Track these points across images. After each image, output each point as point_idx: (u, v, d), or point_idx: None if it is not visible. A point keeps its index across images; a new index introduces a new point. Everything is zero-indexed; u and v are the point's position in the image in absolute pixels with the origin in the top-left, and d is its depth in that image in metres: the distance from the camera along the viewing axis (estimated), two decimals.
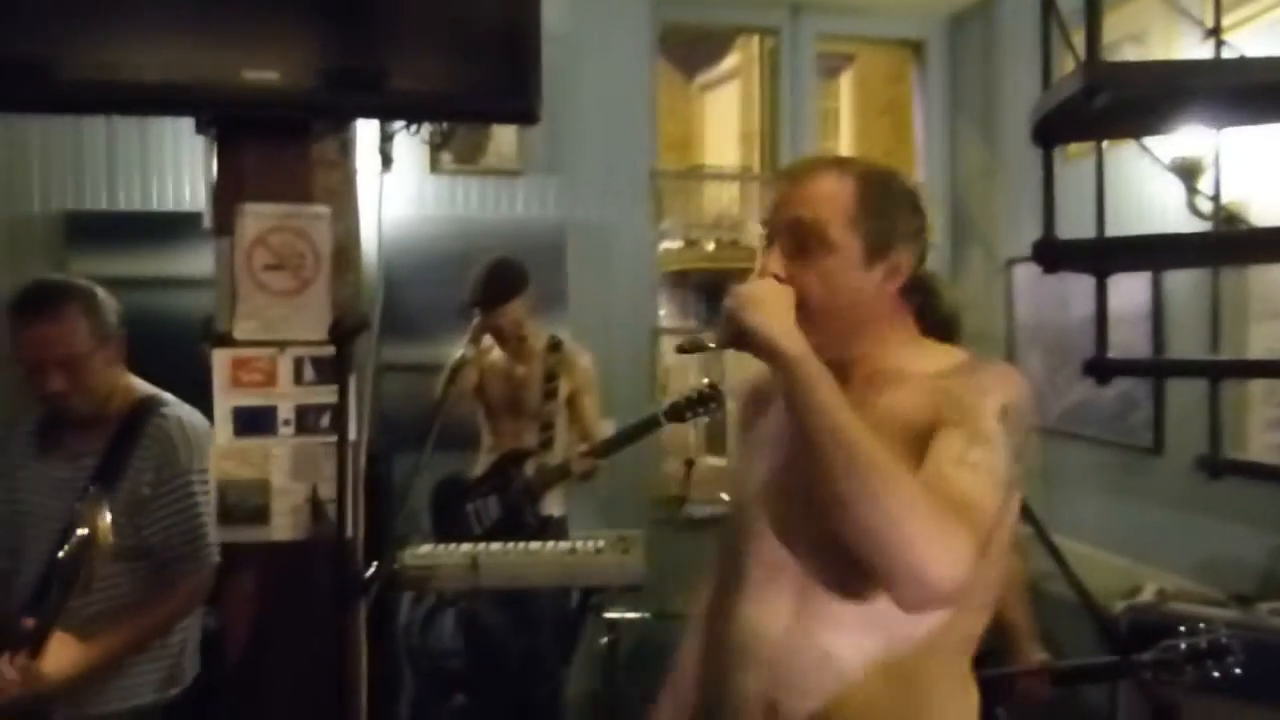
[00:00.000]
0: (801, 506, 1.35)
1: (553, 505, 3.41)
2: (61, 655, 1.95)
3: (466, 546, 2.81)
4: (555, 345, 3.48)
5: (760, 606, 1.38)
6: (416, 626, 3.30)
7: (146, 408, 2.17)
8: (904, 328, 1.43)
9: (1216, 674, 2.13)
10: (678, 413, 3.27)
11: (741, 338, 1.26)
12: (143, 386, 2.24)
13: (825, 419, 1.20)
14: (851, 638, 1.32)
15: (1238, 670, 2.12)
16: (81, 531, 1.81)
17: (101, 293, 2.20)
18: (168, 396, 2.20)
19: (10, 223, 3.54)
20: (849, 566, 1.26)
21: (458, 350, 3.27)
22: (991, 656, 2.58)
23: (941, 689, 1.37)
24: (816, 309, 1.32)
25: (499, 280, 3.31)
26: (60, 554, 1.86)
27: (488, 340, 3.40)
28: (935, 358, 1.41)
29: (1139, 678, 2.14)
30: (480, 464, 3.49)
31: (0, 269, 3.53)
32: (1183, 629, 2.21)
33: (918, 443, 1.26)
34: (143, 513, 2.10)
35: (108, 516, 1.81)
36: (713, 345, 1.30)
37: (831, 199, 1.33)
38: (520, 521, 3.28)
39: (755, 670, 1.37)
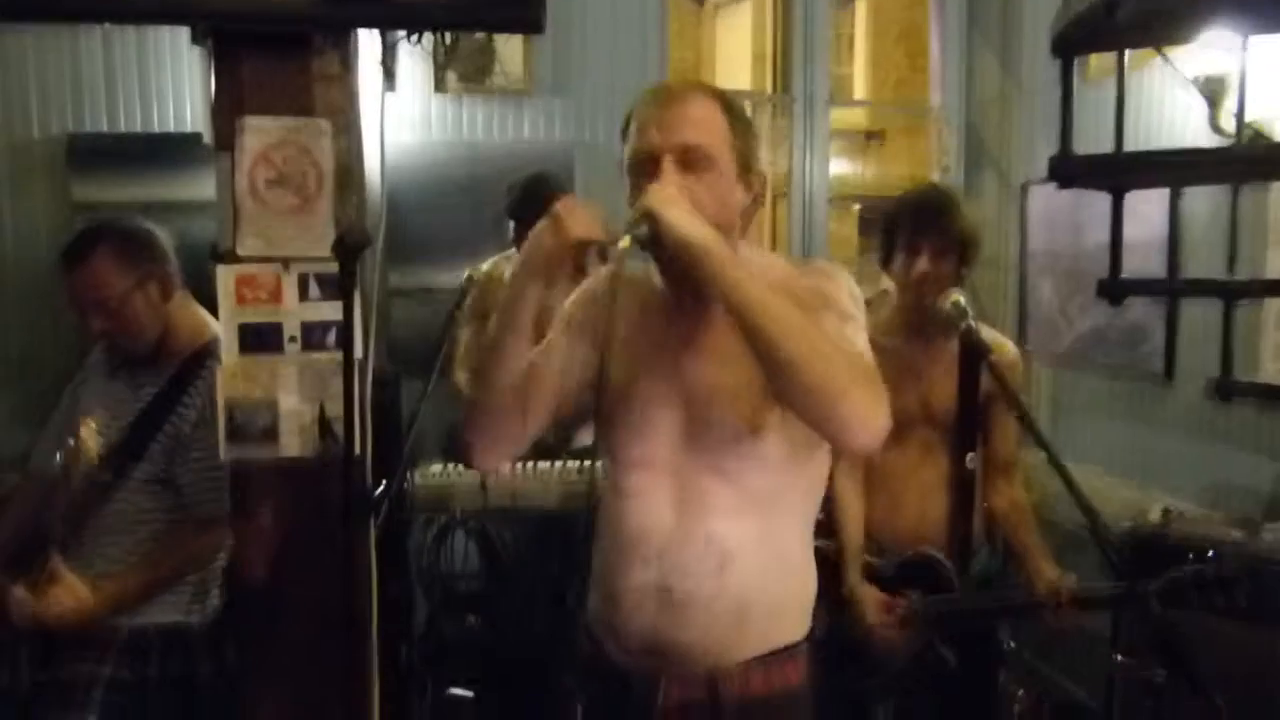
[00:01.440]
0: (664, 399, 1.49)
1: (585, 434, 3.22)
2: (68, 591, 1.99)
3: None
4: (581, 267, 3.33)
5: (643, 506, 1.50)
6: (428, 548, 3.34)
7: (209, 350, 2.18)
8: (756, 241, 1.56)
9: (1223, 604, 2.14)
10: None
11: (659, 236, 1.33)
12: (211, 328, 2.25)
13: (751, 294, 1.31)
14: (730, 521, 1.46)
15: (1244, 602, 2.13)
16: (70, 442, 1.85)
17: (140, 231, 2.21)
18: None
19: (11, 148, 3.51)
20: (720, 446, 1.45)
21: (484, 264, 3.14)
22: (1000, 580, 2.59)
23: (800, 561, 1.55)
24: (709, 220, 1.39)
25: (539, 193, 3.11)
26: (58, 460, 1.90)
27: (506, 260, 3.21)
28: (779, 263, 1.57)
29: (1145, 605, 2.15)
30: None
31: (3, 194, 3.51)
32: (1191, 555, 2.22)
33: None
34: (179, 451, 2.14)
35: (93, 430, 1.85)
36: (637, 236, 1.34)
37: (711, 120, 1.44)
38: (553, 456, 3.12)
39: (645, 564, 1.48)
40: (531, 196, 3.09)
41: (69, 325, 2.29)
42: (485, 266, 3.24)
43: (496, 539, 3.27)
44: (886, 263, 2.39)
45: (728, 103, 1.49)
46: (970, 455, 2.23)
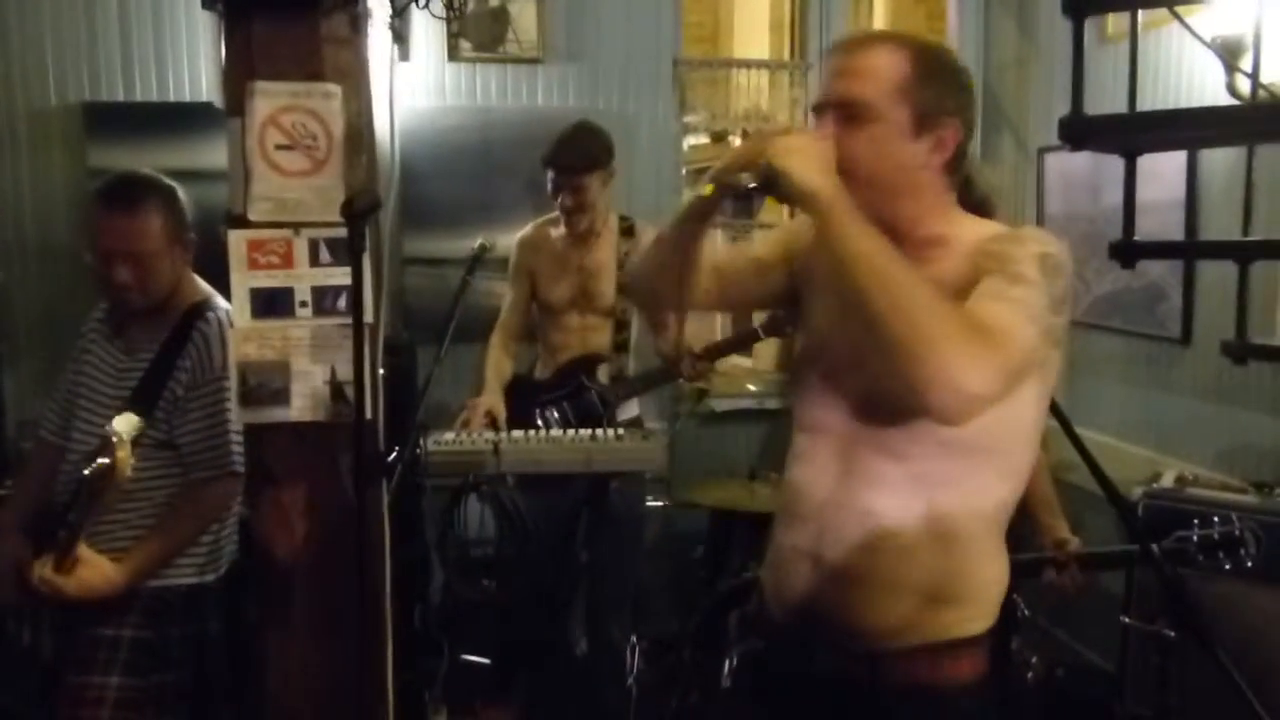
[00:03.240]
0: (845, 367, 1.44)
1: (629, 406, 3.21)
2: (95, 572, 2.03)
3: (490, 435, 2.84)
4: (629, 229, 3.11)
5: (807, 468, 1.48)
6: (443, 514, 3.36)
7: (198, 311, 2.20)
8: (948, 200, 1.47)
9: (1229, 565, 2.14)
10: (777, 326, 3.21)
11: (774, 181, 1.31)
12: (203, 289, 2.26)
13: (857, 245, 1.25)
14: (894, 497, 1.40)
15: (1250, 564, 2.13)
16: (102, 461, 1.87)
17: (182, 194, 2.22)
18: (220, 301, 2.22)
19: (29, 116, 3.53)
20: (892, 425, 1.37)
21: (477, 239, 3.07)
22: (1014, 538, 2.59)
23: (977, 550, 1.44)
24: (864, 175, 1.36)
25: (581, 144, 2.99)
26: (85, 472, 1.92)
27: (549, 223, 3.14)
28: (976, 227, 1.46)
29: (1155, 566, 2.15)
30: (544, 366, 3.21)
31: (22, 162, 3.53)
32: (1196, 522, 2.22)
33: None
34: (177, 413, 2.16)
35: (128, 451, 1.86)
36: (747, 184, 1.35)
37: (883, 70, 1.38)
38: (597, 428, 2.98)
39: (801, 527, 1.47)
40: (569, 144, 3.01)
41: (87, 290, 2.30)
42: (528, 230, 3.21)
43: (511, 505, 3.30)
44: None
45: (919, 53, 1.41)
46: None
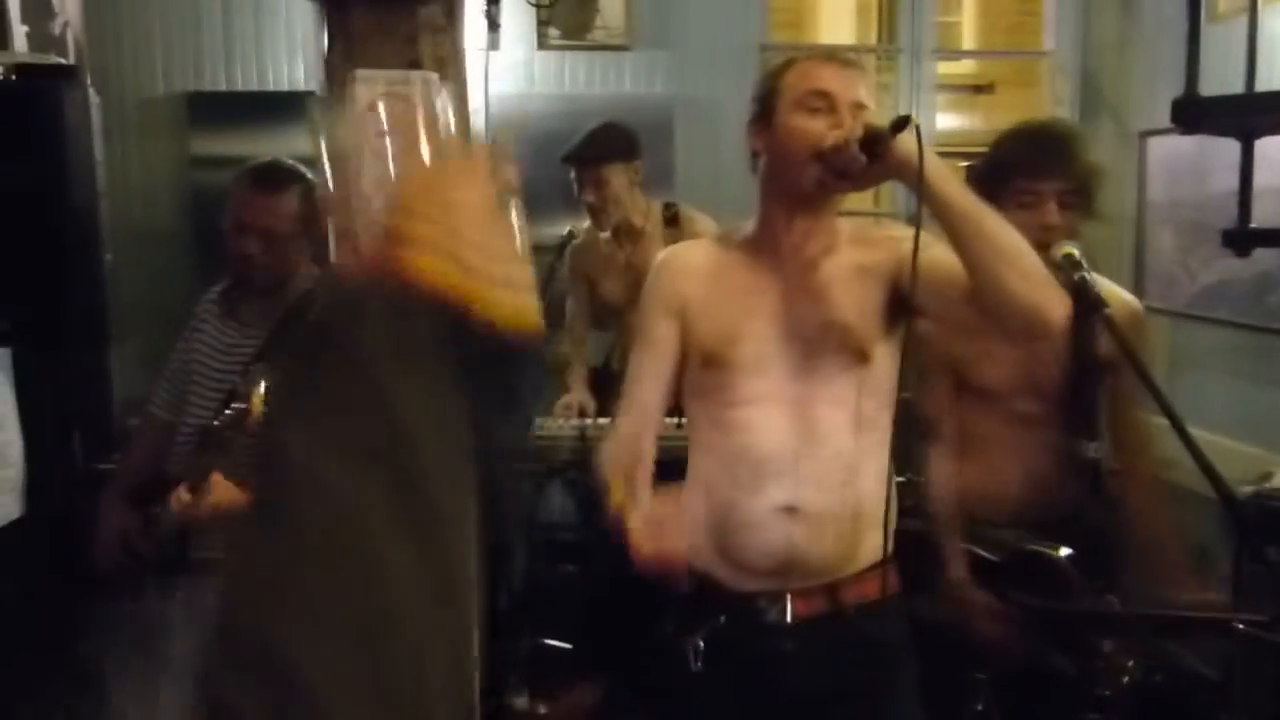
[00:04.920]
0: (786, 340, 1.63)
1: None
2: (226, 494, 2.09)
3: (575, 422, 2.86)
4: (672, 217, 3.10)
5: (768, 433, 1.63)
6: (526, 498, 3.40)
7: (312, 296, 2.26)
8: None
9: None
10: None
11: (876, 141, 1.48)
12: (315, 276, 2.34)
13: (970, 200, 1.48)
14: (849, 438, 1.62)
15: None
16: (239, 404, 1.93)
17: (318, 188, 2.29)
18: None
19: (138, 104, 3.66)
20: (833, 376, 1.62)
21: (566, 227, 3.10)
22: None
23: (889, 477, 1.68)
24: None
25: (598, 138, 3.03)
26: (215, 421, 1.99)
27: (591, 228, 3.13)
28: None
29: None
30: (619, 359, 3.15)
31: (131, 149, 3.67)
32: None
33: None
34: None
35: (262, 392, 1.92)
36: (853, 146, 1.49)
37: (863, 86, 1.62)
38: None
39: (774, 485, 1.62)
40: (587, 139, 3.00)
41: (190, 272, 2.38)
42: (580, 237, 3.17)
43: (595, 490, 3.31)
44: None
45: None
46: (1093, 444, 1.95)
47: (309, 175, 2.28)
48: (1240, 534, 2.17)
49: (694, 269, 1.73)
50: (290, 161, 2.32)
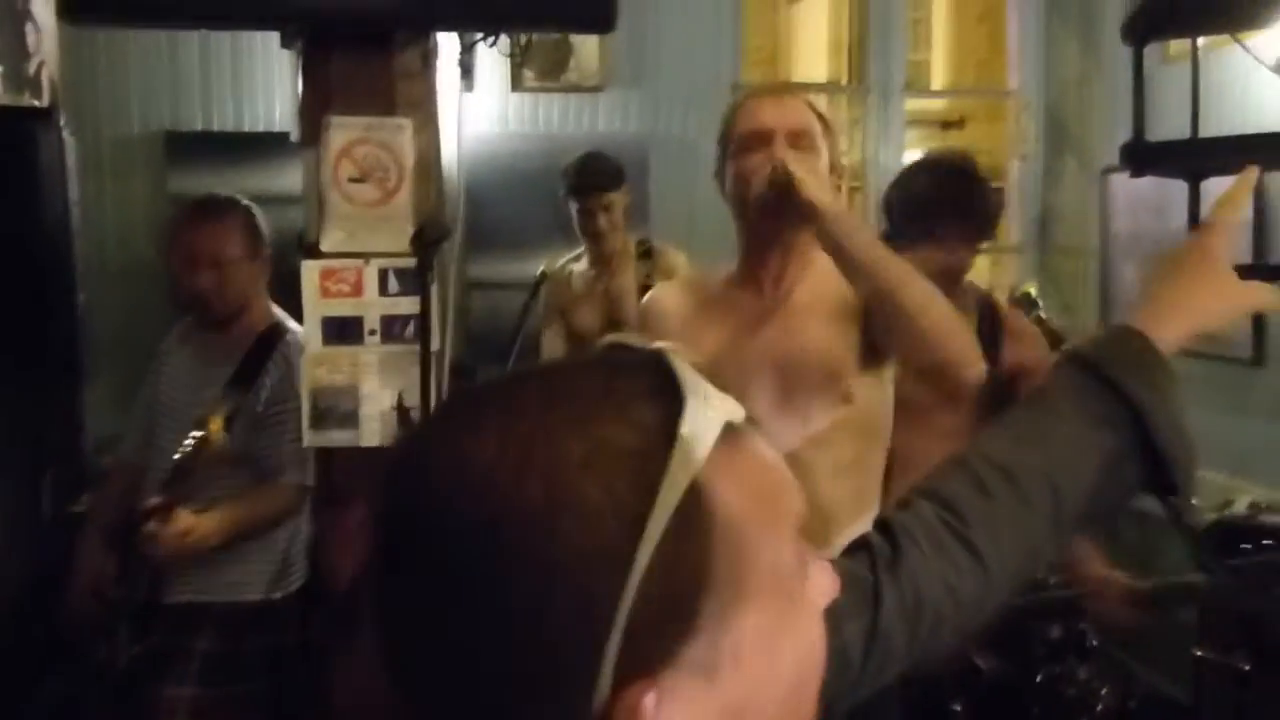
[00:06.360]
0: (764, 376, 1.59)
1: None
2: (187, 522, 2.09)
3: None
4: (647, 251, 3.16)
5: None
6: None
7: (278, 331, 2.29)
8: None
9: None
10: None
11: (788, 188, 1.48)
12: (276, 312, 2.36)
13: (877, 251, 1.48)
14: (830, 486, 1.56)
15: None
16: (197, 433, 1.95)
17: (260, 214, 2.33)
18: (292, 323, 2.31)
19: (114, 142, 3.68)
20: (816, 420, 1.57)
21: (556, 262, 3.12)
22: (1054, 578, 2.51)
23: (873, 491, 1.65)
24: None
25: (598, 166, 3.04)
26: (176, 457, 2.00)
27: (571, 260, 3.18)
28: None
29: (1221, 593, 2.10)
30: None
31: (106, 187, 3.68)
32: (1266, 542, 2.16)
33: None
34: (257, 427, 2.23)
35: (220, 424, 1.94)
36: (758, 190, 1.52)
37: (809, 114, 1.62)
38: None
39: None
40: (591, 167, 3.03)
41: (165, 311, 2.40)
42: (554, 266, 3.19)
43: None
44: (896, 241, 2.12)
45: (819, 113, 1.67)
46: None
47: (245, 202, 2.32)
48: (1200, 560, 2.22)
49: (675, 308, 1.73)
50: (227, 193, 2.36)
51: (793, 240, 1.61)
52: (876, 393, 1.61)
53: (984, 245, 2.21)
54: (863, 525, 1.56)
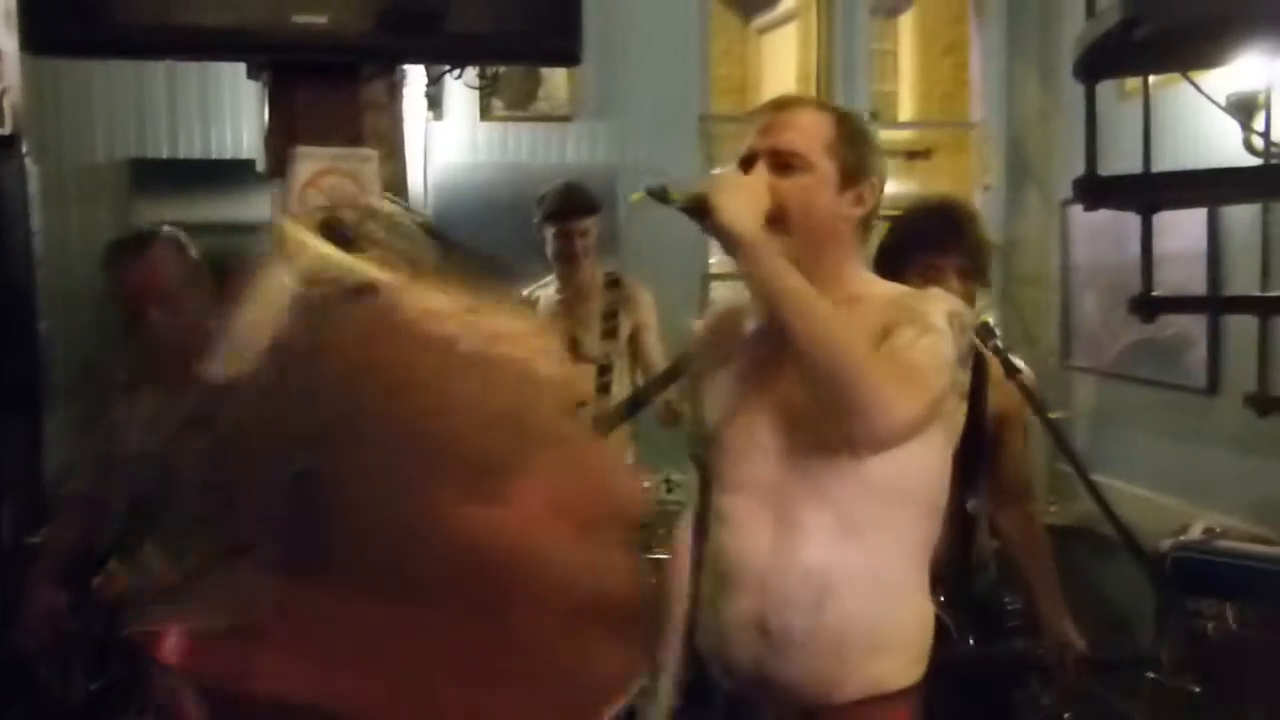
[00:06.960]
0: (768, 418, 1.50)
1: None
2: None
3: None
4: (614, 281, 3.24)
5: (743, 533, 1.51)
6: None
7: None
8: (861, 256, 1.62)
9: None
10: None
11: (703, 210, 1.42)
12: None
13: (783, 281, 1.38)
14: (830, 549, 1.45)
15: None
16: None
17: (185, 240, 2.33)
18: None
19: (78, 171, 3.66)
20: (820, 467, 1.45)
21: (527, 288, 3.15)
22: (1020, 630, 2.52)
23: (906, 593, 1.51)
24: (793, 221, 1.48)
25: (576, 194, 3.11)
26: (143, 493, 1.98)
27: (539, 288, 3.21)
28: (887, 287, 1.60)
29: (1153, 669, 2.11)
30: None
31: (70, 215, 3.65)
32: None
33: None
34: None
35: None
36: (676, 201, 1.46)
37: (812, 127, 1.52)
38: None
39: (744, 593, 1.48)
40: (569, 194, 3.10)
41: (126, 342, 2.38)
42: (522, 294, 3.19)
43: None
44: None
45: (842, 117, 1.58)
46: (972, 502, 2.06)
47: (167, 230, 2.31)
48: (1157, 585, 2.25)
49: (711, 335, 1.69)
50: (142, 226, 2.35)
51: (814, 269, 1.46)
52: (904, 453, 1.41)
53: (978, 282, 2.15)
54: (882, 590, 1.45)
